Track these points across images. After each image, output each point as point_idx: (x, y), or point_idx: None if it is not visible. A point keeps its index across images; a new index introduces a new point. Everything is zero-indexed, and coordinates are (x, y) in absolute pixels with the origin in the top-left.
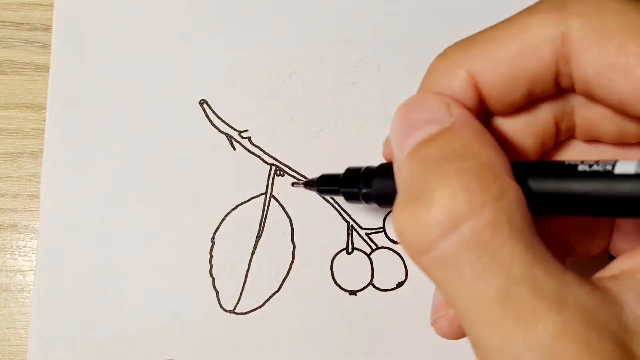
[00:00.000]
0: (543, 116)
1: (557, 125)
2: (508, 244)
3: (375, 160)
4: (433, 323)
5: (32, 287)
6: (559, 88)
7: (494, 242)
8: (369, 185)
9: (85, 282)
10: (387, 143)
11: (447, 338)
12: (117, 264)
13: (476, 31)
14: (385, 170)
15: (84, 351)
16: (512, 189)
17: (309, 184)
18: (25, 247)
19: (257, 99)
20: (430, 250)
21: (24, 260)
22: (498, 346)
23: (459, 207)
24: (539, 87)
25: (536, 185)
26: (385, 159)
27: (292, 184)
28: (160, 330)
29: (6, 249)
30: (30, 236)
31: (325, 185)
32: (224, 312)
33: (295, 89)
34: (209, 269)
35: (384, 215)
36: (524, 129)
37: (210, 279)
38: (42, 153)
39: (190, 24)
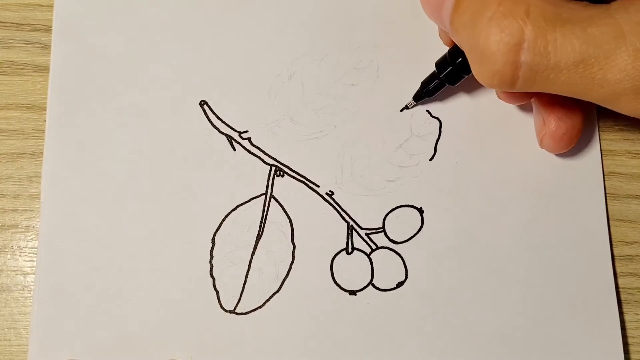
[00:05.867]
0: None
1: None
2: (555, 35)
3: (375, 160)
4: (540, 143)
5: (32, 287)
6: None
7: (550, 41)
8: (459, 57)
9: (86, 282)
10: (440, 33)
11: (551, 150)
12: (117, 264)
13: None
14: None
15: (84, 351)
16: None
17: (417, 97)
18: (26, 247)
19: (257, 100)
20: (516, 80)
21: (24, 261)
22: (605, 78)
23: (508, 46)
24: None
25: None
26: (447, 45)
27: (402, 110)
28: (160, 330)
29: (7, 250)
30: (31, 236)
31: (428, 85)
32: (225, 312)
33: (295, 90)
34: (209, 269)
35: (383, 215)
36: None
37: (211, 279)
38: (42, 153)
39: (191, 25)
